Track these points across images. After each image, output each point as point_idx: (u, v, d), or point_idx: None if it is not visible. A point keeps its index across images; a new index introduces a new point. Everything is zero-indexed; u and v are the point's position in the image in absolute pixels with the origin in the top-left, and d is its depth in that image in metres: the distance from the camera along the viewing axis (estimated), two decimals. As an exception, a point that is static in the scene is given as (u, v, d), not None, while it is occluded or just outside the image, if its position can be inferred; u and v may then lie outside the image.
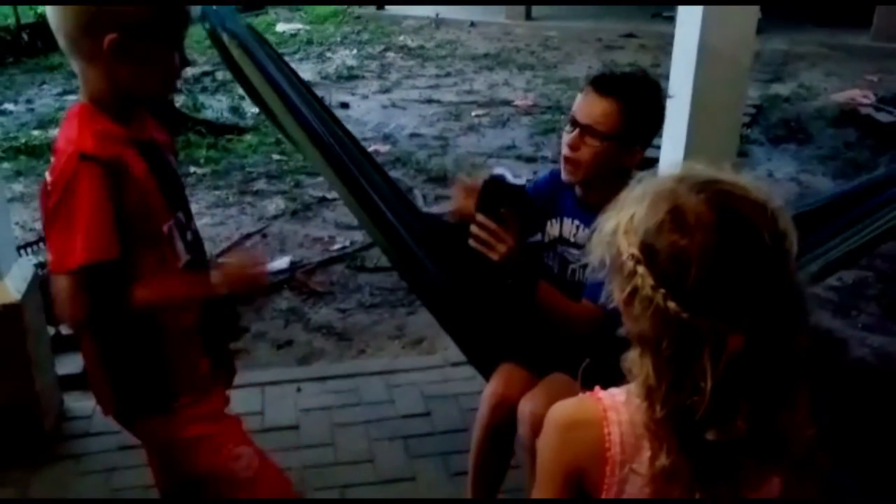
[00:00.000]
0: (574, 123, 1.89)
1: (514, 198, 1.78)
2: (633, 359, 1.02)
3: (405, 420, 2.82)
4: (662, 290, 0.96)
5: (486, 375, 2.17)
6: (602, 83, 1.87)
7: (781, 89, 7.45)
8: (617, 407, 1.05)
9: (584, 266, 1.94)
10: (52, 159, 1.47)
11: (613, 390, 1.07)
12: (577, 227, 2.01)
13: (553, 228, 2.07)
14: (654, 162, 3.58)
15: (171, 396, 1.63)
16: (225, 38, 2.01)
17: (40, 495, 2.47)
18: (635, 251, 0.98)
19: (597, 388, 1.09)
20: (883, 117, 6.30)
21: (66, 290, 1.40)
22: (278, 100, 2.06)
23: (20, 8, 8.42)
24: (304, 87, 2.40)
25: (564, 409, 1.09)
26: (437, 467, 2.56)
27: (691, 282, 0.94)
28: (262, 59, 2.13)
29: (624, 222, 1.01)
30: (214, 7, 2.07)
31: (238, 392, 2.93)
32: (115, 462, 2.60)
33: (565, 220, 2.03)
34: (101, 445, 2.68)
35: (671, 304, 0.95)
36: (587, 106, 1.87)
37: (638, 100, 1.87)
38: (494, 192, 1.78)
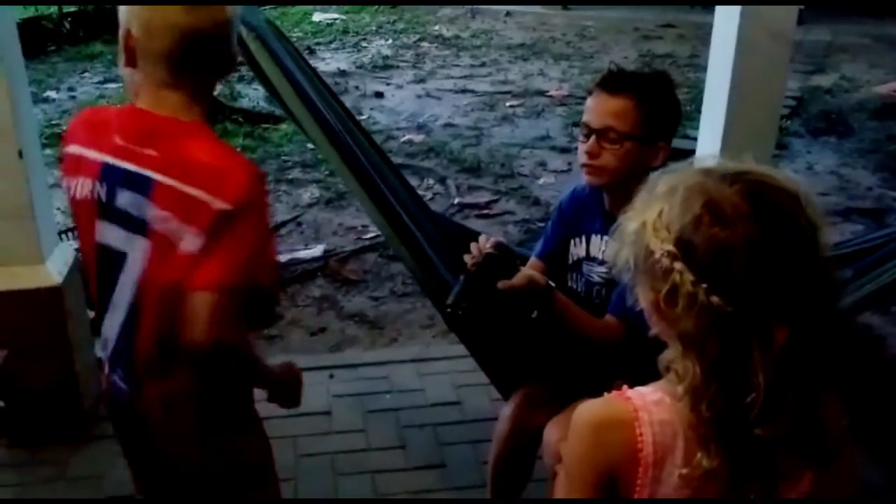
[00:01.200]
0: (589, 130, 1.79)
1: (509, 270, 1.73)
2: (673, 359, 1.00)
3: (435, 408, 2.83)
4: (704, 286, 0.94)
5: (506, 394, 2.11)
6: (611, 82, 1.79)
7: (823, 81, 7.32)
8: (648, 407, 1.02)
9: (609, 283, 1.93)
10: (186, 172, 1.32)
11: (642, 389, 1.05)
12: (606, 242, 1.93)
13: (578, 248, 2.00)
14: (689, 154, 3.55)
15: (254, 419, 1.63)
16: (243, 31, 2.00)
17: (77, 474, 2.53)
18: (671, 248, 0.96)
19: (624, 387, 1.06)
20: (927, 110, 6.17)
21: (216, 308, 1.29)
22: (295, 97, 2.03)
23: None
24: (323, 85, 2.35)
25: (593, 409, 1.06)
26: (467, 454, 2.57)
27: (734, 275, 0.93)
28: (281, 54, 2.09)
29: (652, 220, 0.99)
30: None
31: (272, 377, 3.01)
32: (152, 443, 2.65)
33: (593, 237, 1.96)
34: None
35: (715, 299, 0.93)
36: (600, 108, 1.77)
37: (652, 92, 1.78)
38: (492, 266, 1.71)
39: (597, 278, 1.97)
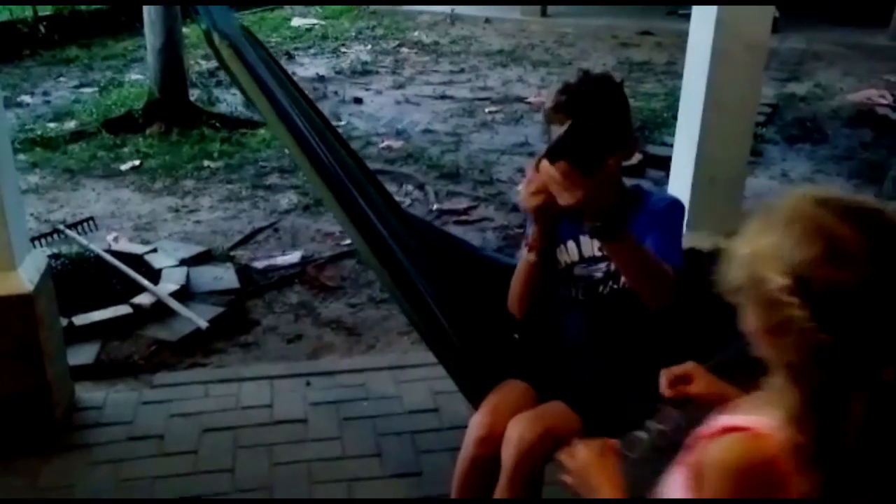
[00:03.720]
0: None
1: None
2: (777, 387, 1.01)
3: (413, 415, 2.82)
4: (816, 324, 0.94)
5: (475, 403, 2.08)
6: (560, 110, 1.82)
7: (798, 88, 7.40)
8: (776, 435, 1.01)
9: (616, 275, 1.94)
10: None
11: (754, 419, 1.03)
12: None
13: (569, 255, 2.00)
14: (666, 160, 3.57)
15: None
16: (216, 38, 1.98)
17: (49, 485, 2.49)
18: (788, 282, 0.96)
19: (739, 419, 1.04)
20: (900, 118, 6.25)
21: None
22: (267, 103, 2.01)
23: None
24: (299, 93, 2.32)
25: (733, 454, 1.03)
26: (444, 462, 2.55)
27: (848, 315, 0.94)
28: (255, 62, 2.07)
29: (768, 249, 0.99)
30: (208, 7, 2.03)
31: (248, 385, 3.00)
32: (125, 453, 2.62)
33: (582, 238, 1.97)
34: (110, 436, 2.70)
35: (825, 337, 0.94)
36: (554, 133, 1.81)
37: (594, 111, 1.80)
38: (569, 146, 1.67)
39: (600, 275, 1.97)
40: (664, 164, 4.31)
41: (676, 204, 2.00)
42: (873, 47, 8.88)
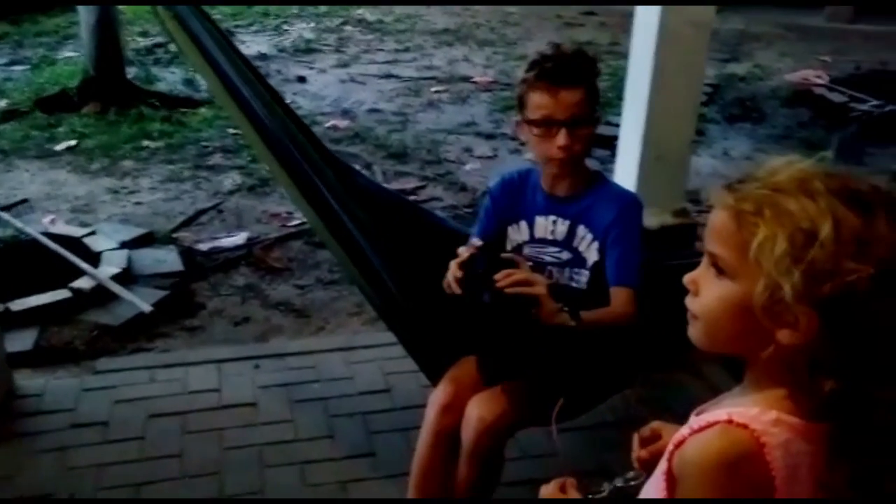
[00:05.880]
0: (553, 123, 1.85)
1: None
2: (762, 371, 0.99)
3: (365, 396, 2.81)
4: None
5: (434, 379, 2.09)
6: (563, 76, 1.85)
7: (737, 69, 7.53)
8: (768, 430, 0.96)
9: (566, 263, 1.97)
10: None
11: (749, 412, 0.98)
12: (554, 222, 1.97)
13: (517, 233, 2.02)
14: (609, 139, 3.61)
15: None
16: (160, 11, 1.92)
17: (-10, 475, 2.41)
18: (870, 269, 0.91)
19: (726, 412, 0.99)
20: (835, 97, 6.41)
21: None
22: (217, 81, 1.98)
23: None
24: (248, 67, 2.27)
25: (711, 448, 0.97)
26: (397, 442, 2.56)
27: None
28: (202, 36, 2.02)
29: (829, 229, 0.92)
30: None
31: (194, 369, 2.95)
32: (68, 441, 2.55)
33: (537, 218, 1.99)
34: (52, 424, 2.63)
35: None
36: (561, 102, 1.84)
37: (591, 76, 1.90)
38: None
39: (549, 258, 1.99)
40: (609, 143, 4.35)
41: (638, 204, 2.00)
42: (810, 28, 9.09)
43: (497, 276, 1.73)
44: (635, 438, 1.27)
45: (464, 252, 1.78)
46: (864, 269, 0.90)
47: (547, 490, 1.24)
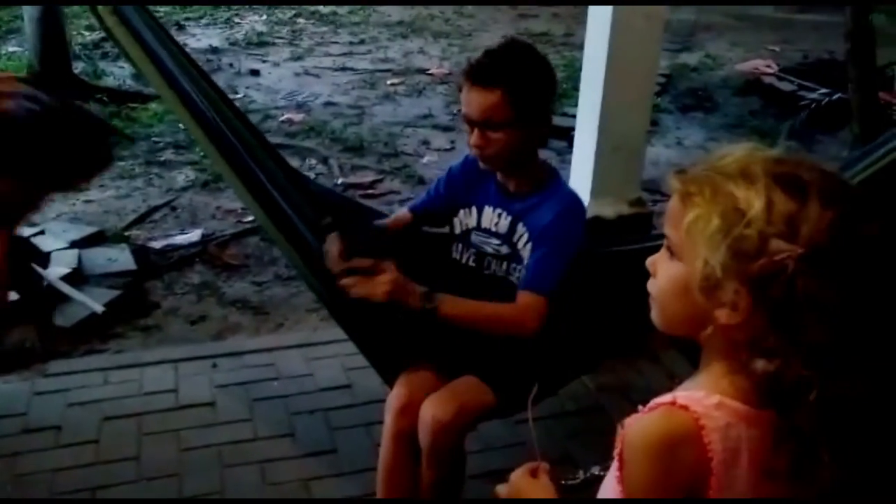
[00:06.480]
0: (470, 122, 1.85)
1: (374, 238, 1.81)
2: (716, 344, 0.99)
3: (325, 393, 2.79)
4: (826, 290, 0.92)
5: (389, 382, 2.07)
6: (480, 76, 1.81)
7: (689, 59, 7.63)
8: (709, 413, 0.96)
9: (504, 257, 1.96)
10: None
11: (693, 394, 0.98)
12: (499, 215, 1.97)
13: (468, 218, 2.02)
14: (569, 131, 3.62)
15: None
16: (99, 7, 1.87)
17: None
18: (799, 250, 0.91)
19: (672, 395, 0.99)
20: (784, 86, 6.54)
21: None
22: (158, 75, 1.92)
23: None
24: (192, 64, 2.19)
25: (651, 429, 0.98)
26: (359, 438, 2.55)
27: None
28: (143, 31, 1.95)
29: (760, 208, 0.93)
30: None
31: (150, 370, 2.89)
32: (19, 446, 2.49)
33: (486, 208, 1.99)
34: (2, 429, 2.56)
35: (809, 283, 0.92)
36: (474, 102, 1.82)
37: (520, 80, 1.81)
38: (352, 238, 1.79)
39: (489, 249, 2.00)
40: (565, 134, 4.38)
41: (575, 211, 1.96)
42: (759, 18, 9.25)
43: (342, 283, 1.76)
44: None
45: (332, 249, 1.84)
46: (793, 250, 0.91)
47: (516, 476, 1.23)
